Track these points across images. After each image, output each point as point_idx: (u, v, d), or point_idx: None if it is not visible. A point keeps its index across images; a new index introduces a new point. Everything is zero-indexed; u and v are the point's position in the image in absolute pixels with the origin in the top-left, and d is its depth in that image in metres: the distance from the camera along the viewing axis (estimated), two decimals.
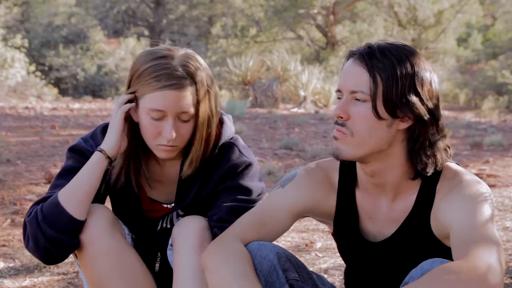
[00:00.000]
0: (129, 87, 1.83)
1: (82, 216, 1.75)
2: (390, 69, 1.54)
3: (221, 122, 1.95)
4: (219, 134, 1.92)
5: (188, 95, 1.77)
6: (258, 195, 1.90)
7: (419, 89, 1.55)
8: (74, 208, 1.74)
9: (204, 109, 1.81)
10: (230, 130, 1.96)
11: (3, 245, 3.38)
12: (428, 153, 1.59)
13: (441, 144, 1.61)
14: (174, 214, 1.97)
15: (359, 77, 1.57)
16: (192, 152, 1.86)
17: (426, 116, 1.56)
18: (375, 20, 25.29)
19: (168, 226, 1.98)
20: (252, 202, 1.87)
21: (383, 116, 1.56)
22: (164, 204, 1.99)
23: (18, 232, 3.65)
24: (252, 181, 1.90)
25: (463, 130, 9.65)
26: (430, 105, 1.57)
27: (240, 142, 1.96)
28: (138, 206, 1.95)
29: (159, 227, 1.99)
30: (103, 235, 1.77)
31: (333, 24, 24.86)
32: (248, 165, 1.91)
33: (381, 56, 1.56)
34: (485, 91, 21.71)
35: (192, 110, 1.79)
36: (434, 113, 1.57)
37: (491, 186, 4.98)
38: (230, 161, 1.89)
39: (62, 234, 1.72)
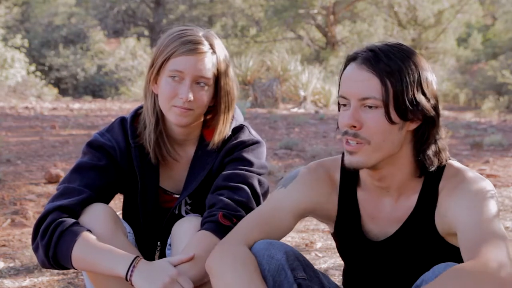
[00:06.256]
0: (152, 66, 1.90)
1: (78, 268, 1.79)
2: (399, 73, 1.54)
3: None
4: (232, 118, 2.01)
5: (207, 61, 1.87)
6: (259, 169, 1.95)
7: (425, 89, 1.57)
8: (77, 264, 1.76)
9: (224, 81, 1.92)
10: (240, 115, 2.06)
11: (3, 245, 3.38)
12: (435, 150, 1.62)
13: (443, 141, 1.65)
14: (183, 202, 2.02)
15: (368, 83, 1.55)
16: (220, 124, 1.95)
17: (433, 114, 1.59)
18: (375, 20, 25.27)
19: (176, 212, 2.02)
20: (251, 173, 1.91)
21: (395, 120, 1.56)
22: (175, 194, 2.04)
23: (18, 232, 3.65)
24: (256, 157, 1.96)
25: (463, 130, 9.65)
26: (434, 103, 1.59)
27: (250, 126, 2.05)
28: (156, 196, 1.99)
29: (168, 216, 2.02)
30: (106, 234, 1.78)
31: (333, 24, 24.85)
32: (256, 142, 1.98)
33: (387, 59, 1.55)
34: (485, 91, 21.68)
35: (209, 76, 1.88)
36: (438, 110, 1.60)
37: None
38: (239, 138, 1.97)
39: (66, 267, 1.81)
